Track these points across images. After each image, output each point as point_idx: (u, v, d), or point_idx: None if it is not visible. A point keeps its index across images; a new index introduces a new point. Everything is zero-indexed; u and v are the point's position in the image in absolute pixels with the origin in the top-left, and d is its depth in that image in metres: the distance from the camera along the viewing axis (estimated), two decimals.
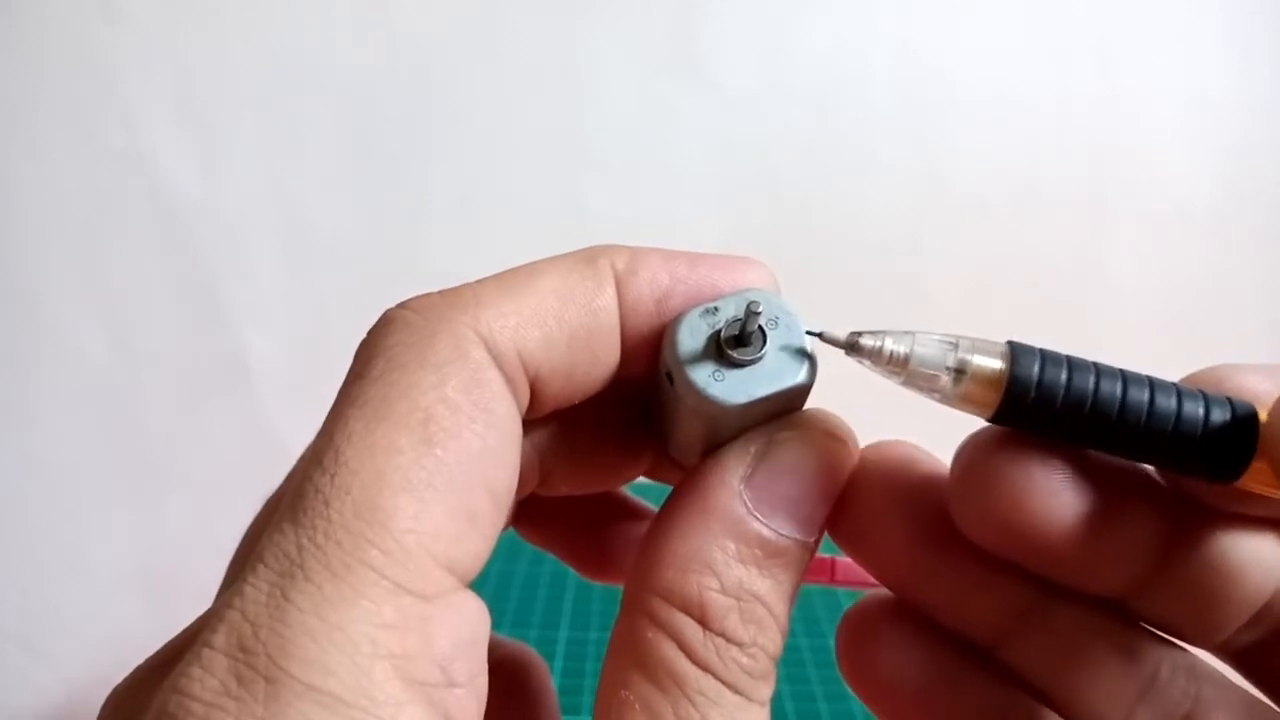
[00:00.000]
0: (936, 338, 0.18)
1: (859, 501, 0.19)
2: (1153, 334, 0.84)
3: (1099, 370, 0.17)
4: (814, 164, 0.81)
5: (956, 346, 0.18)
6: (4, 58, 0.73)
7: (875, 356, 0.18)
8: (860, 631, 0.20)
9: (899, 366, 0.18)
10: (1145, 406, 0.17)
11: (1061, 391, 0.17)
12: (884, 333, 0.18)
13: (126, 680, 0.16)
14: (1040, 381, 0.17)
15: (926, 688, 0.20)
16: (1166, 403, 0.17)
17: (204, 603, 0.16)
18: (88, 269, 0.77)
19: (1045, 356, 0.17)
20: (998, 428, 0.18)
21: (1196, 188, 0.84)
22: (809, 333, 0.18)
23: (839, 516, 0.19)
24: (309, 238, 0.79)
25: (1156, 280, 0.85)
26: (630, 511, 0.25)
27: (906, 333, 0.18)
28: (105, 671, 0.16)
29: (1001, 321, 0.86)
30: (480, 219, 0.80)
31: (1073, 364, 0.17)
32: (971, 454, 0.18)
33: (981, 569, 0.19)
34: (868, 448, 0.20)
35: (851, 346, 0.18)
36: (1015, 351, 0.17)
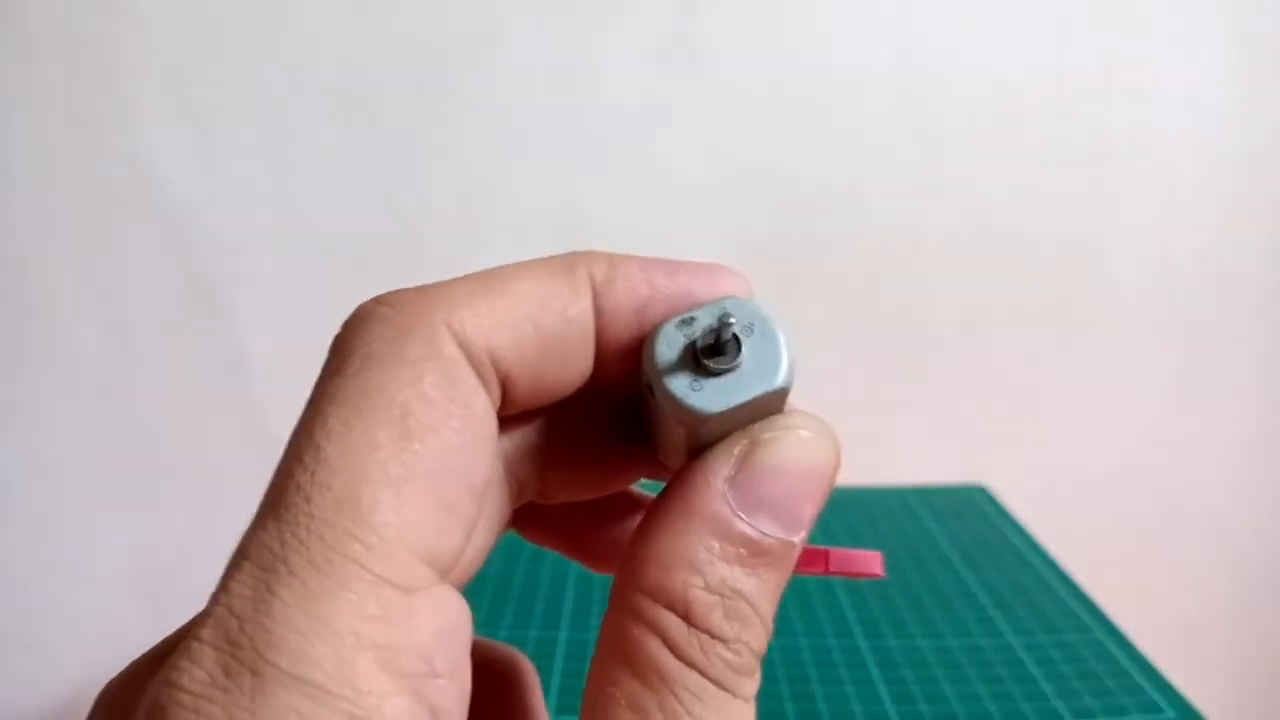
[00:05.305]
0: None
1: None
2: (1153, 334, 0.84)
3: None
4: (814, 164, 0.81)
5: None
6: (4, 58, 0.73)
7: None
8: None
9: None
10: None
11: None
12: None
13: (120, 675, 0.16)
14: None
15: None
16: None
17: (204, 603, 0.16)
18: (88, 269, 0.78)
19: None
20: None
21: (1196, 188, 0.84)
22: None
23: None
24: (309, 238, 0.79)
25: (1156, 280, 0.85)
26: (635, 502, 0.25)
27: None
28: (105, 671, 0.17)
29: (1001, 321, 0.87)
30: (480, 219, 0.80)
31: None
32: None
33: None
34: None
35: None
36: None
